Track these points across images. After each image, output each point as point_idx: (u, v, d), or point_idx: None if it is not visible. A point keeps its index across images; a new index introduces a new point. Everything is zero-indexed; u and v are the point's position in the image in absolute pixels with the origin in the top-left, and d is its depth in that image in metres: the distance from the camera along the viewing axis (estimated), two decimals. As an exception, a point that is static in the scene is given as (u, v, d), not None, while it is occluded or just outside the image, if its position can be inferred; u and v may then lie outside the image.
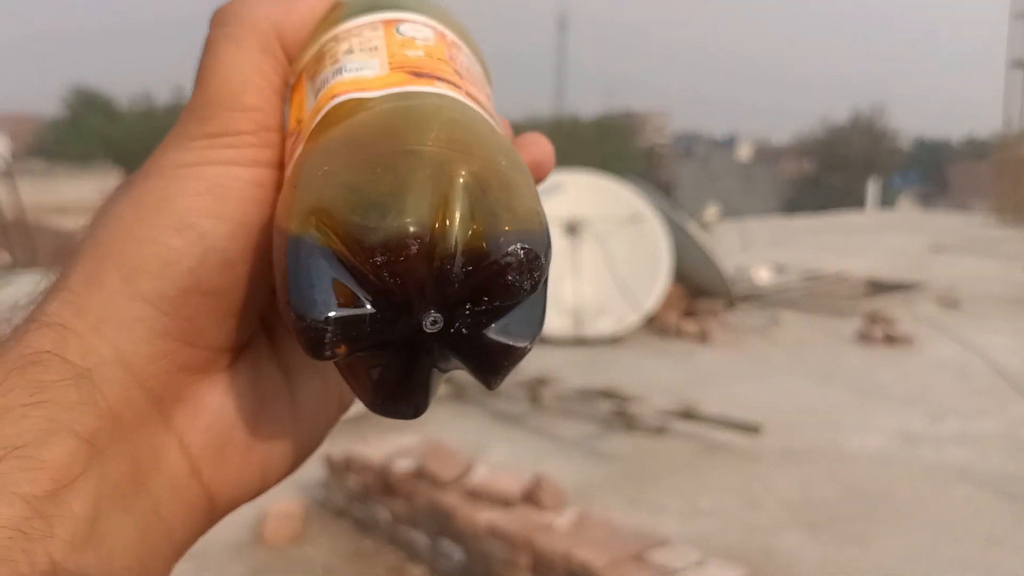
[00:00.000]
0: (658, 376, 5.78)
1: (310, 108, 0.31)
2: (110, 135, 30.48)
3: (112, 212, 0.30)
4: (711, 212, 8.65)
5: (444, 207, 0.26)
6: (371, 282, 0.26)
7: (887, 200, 26.46)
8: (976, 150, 42.17)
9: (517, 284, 0.26)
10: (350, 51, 0.32)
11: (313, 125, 0.30)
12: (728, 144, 44.89)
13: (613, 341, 6.68)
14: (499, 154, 0.28)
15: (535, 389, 5.02)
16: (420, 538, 3.32)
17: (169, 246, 0.29)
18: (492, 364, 0.28)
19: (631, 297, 6.66)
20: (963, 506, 3.82)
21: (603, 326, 6.71)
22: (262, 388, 0.33)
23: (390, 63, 0.31)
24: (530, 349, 0.28)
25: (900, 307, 8.04)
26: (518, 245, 0.26)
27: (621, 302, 6.69)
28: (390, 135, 0.27)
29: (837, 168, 36.40)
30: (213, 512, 0.32)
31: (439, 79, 0.31)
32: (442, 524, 3.23)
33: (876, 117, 38.41)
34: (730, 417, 4.52)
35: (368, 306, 0.26)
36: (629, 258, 6.83)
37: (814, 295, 8.59)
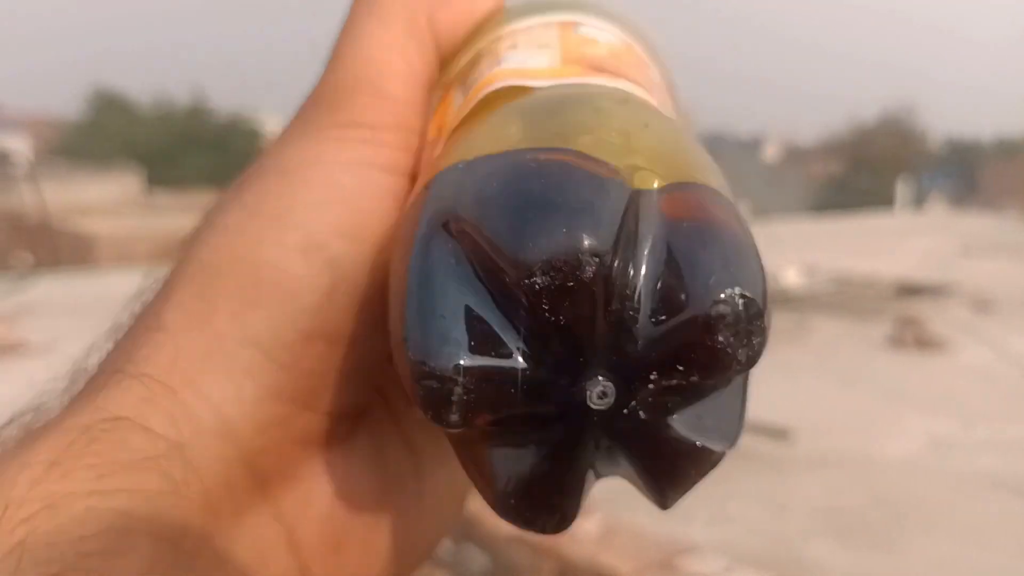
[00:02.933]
0: (685, 379, 5.75)
1: (456, 108, 0.24)
2: (131, 137, 30.82)
3: (218, 222, 0.23)
4: (739, 213, 8.59)
5: (635, 223, 0.18)
6: (524, 318, 0.18)
7: (916, 201, 26.24)
8: (1008, 150, 41.74)
9: (729, 350, 0.19)
10: (514, 46, 0.25)
11: (460, 119, 0.23)
12: (754, 144, 44.67)
13: (639, 343, 6.66)
14: (708, 171, 0.21)
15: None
16: (444, 543, 3.31)
17: (292, 273, 0.22)
18: (674, 470, 0.20)
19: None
20: (996, 515, 3.76)
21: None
22: (386, 470, 0.26)
23: (563, 57, 0.24)
24: (725, 456, 0.21)
25: (931, 310, 7.95)
26: (735, 290, 0.19)
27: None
28: (566, 123, 0.20)
29: (865, 169, 36.16)
30: None
31: (626, 79, 0.24)
32: (466, 529, 3.22)
33: (905, 117, 38.12)
34: (757, 422, 4.48)
35: (517, 357, 0.18)
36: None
37: (843, 298, 8.52)
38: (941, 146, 47.03)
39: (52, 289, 8.66)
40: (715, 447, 0.20)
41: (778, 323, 7.23)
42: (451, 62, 0.26)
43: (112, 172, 22.78)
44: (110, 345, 0.24)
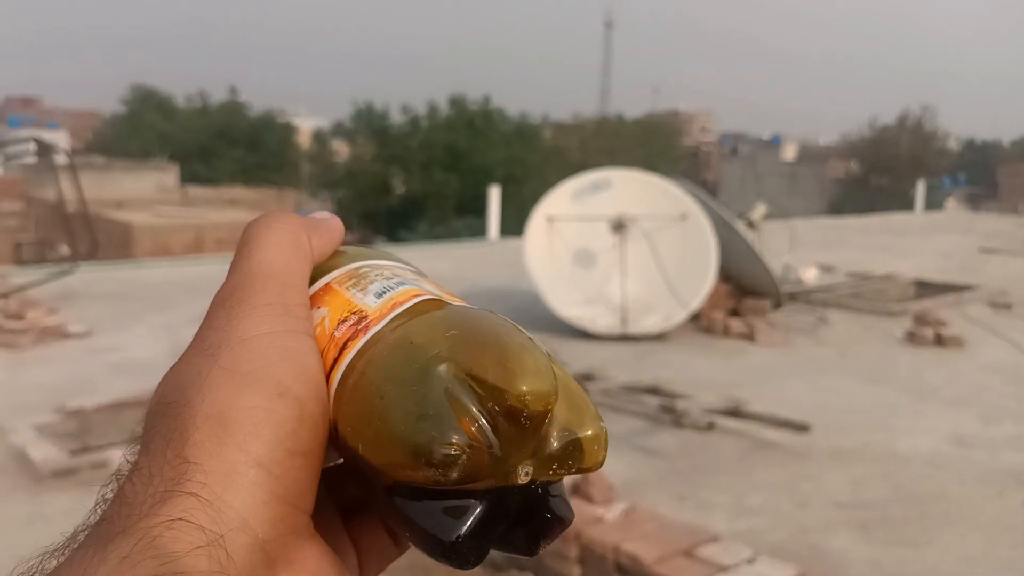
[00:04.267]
0: (705, 373, 5.75)
1: (375, 304, 0.37)
2: (167, 132, 31.10)
3: (206, 382, 0.32)
4: (759, 211, 8.56)
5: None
6: (502, 425, 0.31)
7: (935, 202, 26.07)
8: (1028, 152, 41.39)
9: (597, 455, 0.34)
10: (395, 275, 0.40)
11: (399, 310, 0.36)
12: (774, 144, 44.48)
13: (659, 338, 6.66)
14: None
15: (581, 384, 5.01)
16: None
17: (276, 411, 0.32)
18: (546, 530, 0.34)
19: (678, 295, 6.63)
20: (1019, 510, 3.76)
21: (650, 323, 6.69)
22: (344, 559, 0.36)
23: (436, 289, 0.39)
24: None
25: (950, 308, 7.92)
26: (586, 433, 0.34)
27: (668, 299, 6.66)
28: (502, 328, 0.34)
29: (884, 170, 35.93)
30: None
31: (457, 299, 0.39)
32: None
33: (925, 118, 37.85)
34: (779, 416, 4.49)
35: (490, 434, 0.31)
36: (676, 256, 6.80)
37: (862, 295, 8.50)
38: (961, 147, 46.72)
39: (90, 278, 8.74)
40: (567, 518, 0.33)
41: (797, 319, 7.24)
42: (322, 268, 0.40)
43: (149, 166, 23.03)
44: (140, 477, 0.31)
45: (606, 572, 2.90)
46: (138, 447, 0.32)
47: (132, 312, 7.16)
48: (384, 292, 0.38)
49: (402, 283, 0.39)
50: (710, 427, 4.50)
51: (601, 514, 3.11)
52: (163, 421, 0.32)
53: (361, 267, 0.40)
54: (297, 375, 0.33)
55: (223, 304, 0.35)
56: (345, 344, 0.35)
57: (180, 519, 0.28)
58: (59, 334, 6.37)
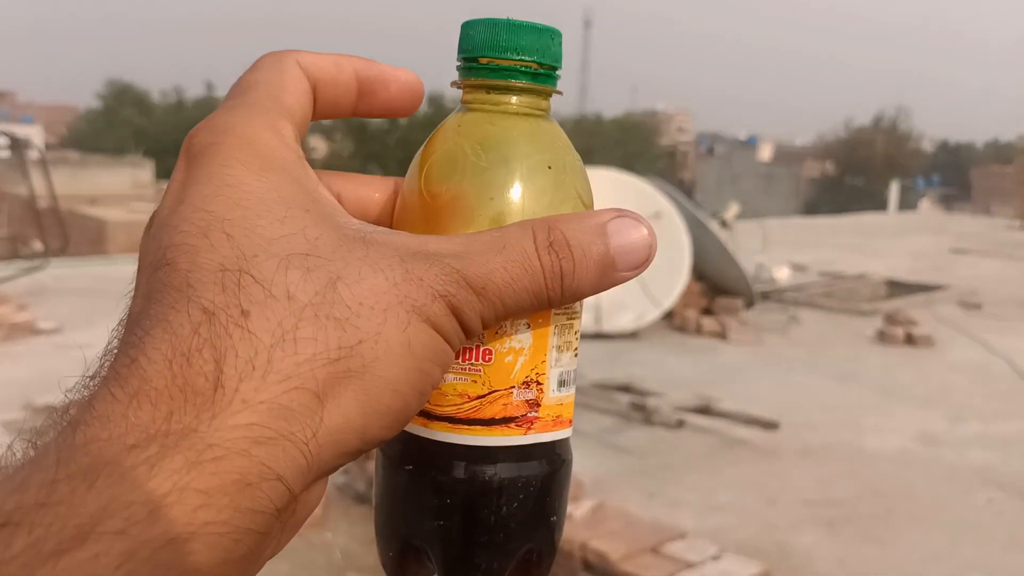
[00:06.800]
0: (677, 372, 5.77)
1: (552, 395, 0.34)
2: (142, 127, 30.88)
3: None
4: (732, 211, 8.61)
5: None
6: None
7: (908, 203, 26.29)
8: (1000, 153, 41.86)
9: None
10: (575, 355, 0.35)
11: (545, 438, 0.34)
12: (750, 144, 44.69)
13: (633, 336, 6.68)
14: None
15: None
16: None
17: (407, 403, 0.31)
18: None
19: (651, 293, 6.65)
20: (984, 508, 3.80)
21: (623, 321, 6.70)
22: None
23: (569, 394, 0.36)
24: None
25: (921, 308, 7.99)
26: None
27: (641, 298, 6.68)
28: None
29: (859, 170, 36.21)
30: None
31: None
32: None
33: (900, 119, 38.17)
34: (749, 414, 4.51)
35: None
36: (650, 254, 6.81)
37: (834, 295, 8.56)
38: (935, 148, 47.14)
39: (62, 274, 8.64)
40: None
41: (769, 318, 7.27)
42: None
43: (123, 162, 22.82)
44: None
45: (573, 569, 2.91)
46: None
47: (103, 309, 7.07)
48: (563, 384, 0.34)
49: (573, 380, 0.35)
50: (680, 424, 4.52)
51: (569, 512, 3.11)
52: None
53: (574, 315, 0.35)
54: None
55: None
56: (513, 419, 0.33)
57: (268, 469, 0.28)
58: (29, 330, 6.29)
